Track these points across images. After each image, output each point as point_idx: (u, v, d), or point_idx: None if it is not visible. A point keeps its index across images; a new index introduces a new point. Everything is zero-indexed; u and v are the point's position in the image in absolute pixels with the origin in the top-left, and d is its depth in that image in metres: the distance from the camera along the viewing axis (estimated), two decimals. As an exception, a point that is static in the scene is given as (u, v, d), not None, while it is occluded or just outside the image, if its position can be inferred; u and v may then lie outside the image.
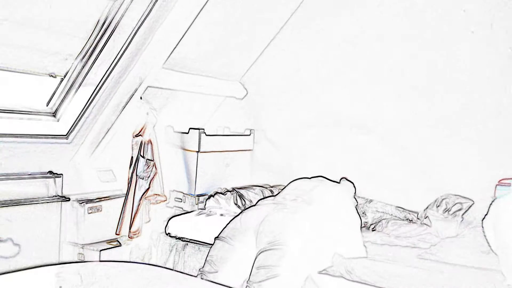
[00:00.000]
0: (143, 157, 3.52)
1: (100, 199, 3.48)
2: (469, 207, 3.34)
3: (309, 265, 2.78)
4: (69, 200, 3.32)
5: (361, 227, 3.07)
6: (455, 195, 3.45)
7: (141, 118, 3.57)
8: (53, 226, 3.25)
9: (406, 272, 2.75)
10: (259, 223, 2.95)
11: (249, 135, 4.48)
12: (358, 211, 3.13)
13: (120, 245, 3.49)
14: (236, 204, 3.75)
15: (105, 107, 3.33)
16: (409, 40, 3.66)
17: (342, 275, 2.83)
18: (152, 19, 3.01)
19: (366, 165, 3.85)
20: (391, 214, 3.59)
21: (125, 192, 3.56)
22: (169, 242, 3.62)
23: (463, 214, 3.32)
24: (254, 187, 4.03)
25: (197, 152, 3.95)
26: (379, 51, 3.79)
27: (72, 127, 3.33)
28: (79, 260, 3.32)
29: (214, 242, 3.08)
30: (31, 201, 3.11)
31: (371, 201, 3.72)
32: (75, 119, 3.31)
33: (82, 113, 3.29)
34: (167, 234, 3.63)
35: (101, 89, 3.23)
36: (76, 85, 3.22)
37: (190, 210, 3.87)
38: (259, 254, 2.81)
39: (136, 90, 3.39)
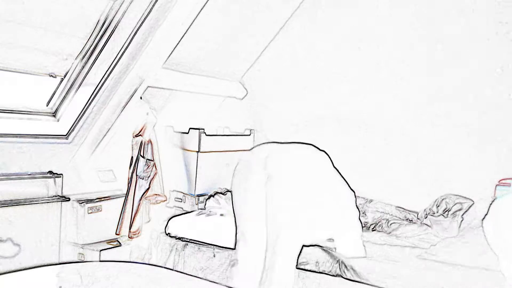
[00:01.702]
0: (143, 157, 3.52)
1: (100, 199, 3.48)
2: (469, 207, 3.34)
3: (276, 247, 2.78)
4: (69, 200, 3.32)
5: (361, 227, 3.05)
6: (455, 195, 3.45)
7: (141, 118, 3.57)
8: (53, 226, 3.25)
9: (406, 272, 2.75)
10: None
11: (249, 135, 4.48)
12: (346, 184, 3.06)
13: (120, 245, 3.49)
14: (236, 204, 3.75)
15: (105, 107, 3.33)
16: (412, 39, 3.65)
17: (341, 274, 2.83)
18: (152, 19, 3.01)
19: (366, 165, 3.85)
20: (391, 214, 3.59)
21: (125, 192, 3.56)
22: (169, 242, 3.61)
23: (463, 214, 3.31)
24: (254, 187, 4.03)
25: (197, 152, 3.95)
26: (381, 51, 3.79)
27: (72, 127, 3.33)
28: (79, 260, 3.32)
29: None
30: (31, 201, 3.11)
31: (371, 201, 3.72)
32: (75, 119, 3.31)
33: (82, 113, 3.29)
34: (167, 234, 3.63)
35: (101, 89, 3.23)
36: (76, 85, 3.23)
37: (190, 210, 3.87)
38: None
39: (136, 90, 3.39)
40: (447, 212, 3.36)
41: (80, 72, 3.20)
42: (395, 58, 3.73)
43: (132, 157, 3.56)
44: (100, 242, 3.46)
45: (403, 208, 3.64)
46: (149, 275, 2.36)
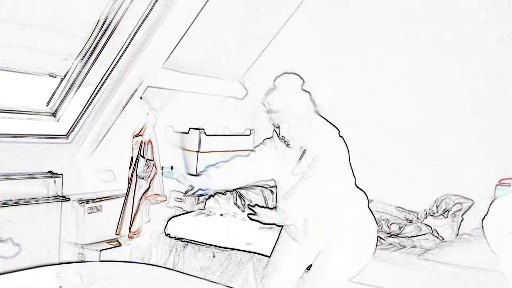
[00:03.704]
0: (143, 157, 3.52)
1: (100, 199, 3.48)
2: (469, 207, 3.34)
3: None
4: (69, 200, 3.32)
5: None
6: (455, 195, 3.45)
7: (141, 118, 3.57)
8: (53, 226, 3.24)
9: (406, 272, 2.75)
10: None
11: (249, 135, 4.47)
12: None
13: (120, 245, 3.49)
14: (236, 204, 3.75)
15: (105, 107, 3.33)
16: (419, 39, 3.64)
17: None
18: (152, 19, 3.01)
19: (366, 165, 3.83)
20: (391, 214, 3.59)
21: (125, 192, 3.56)
22: (169, 242, 3.62)
23: (463, 214, 3.32)
24: (254, 187, 4.03)
25: (197, 152, 3.95)
26: (381, 50, 3.78)
27: (72, 127, 3.33)
28: (79, 260, 3.32)
29: None
30: (31, 201, 3.10)
31: (371, 201, 3.71)
32: (75, 119, 3.31)
33: (82, 113, 3.29)
34: (166, 235, 3.63)
35: (101, 89, 3.23)
36: (76, 85, 3.22)
37: (190, 210, 3.87)
38: None
39: (136, 90, 3.39)
40: (447, 212, 3.36)
41: (80, 72, 3.19)
42: (395, 57, 3.73)
43: (132, 157, 3.56)
44: (100, 242, 3.46)
45: (403, 208, 3.64)
46: (149, 275, 2.36)
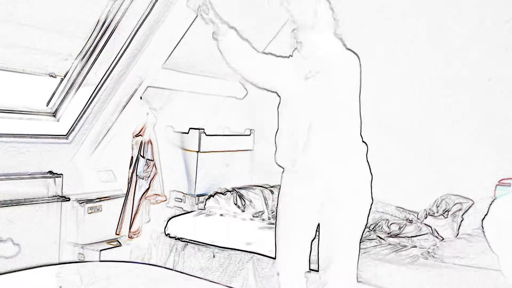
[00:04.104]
0: (143, 157, 3.53)
1: (100, 199, 3.48)
2: (469, 207, 3.34)
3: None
4: (69, 200, 3.32)
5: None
6: (455, 195, 3.45)
7: (141, 118, 3.57)
8: (53, 226, 3.25)
9: (406, 272, 2.75)
10: None
11: (249, 135, 4.47)
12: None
13: (120, 245, 3.49)
14: (236, 204, 3.75)
15: (105, 107, 3.33)
16: (419, 39, 3.63)
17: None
18: (152, 19, 3.01)
19: (366, 165, 3.84)
20: (391, 214, 3.59)
21: (125, 192, 3.56)
22: (169, 242, 3.62)
23: (463, 214, 3.32)
24: (254, 187, 4.03)
25: (197, 152, 3.95)
26: (379, 49, 3.78)
27: (72, 127, 3.33)
28: (79, 260, 3.32)
29: None
30: (31, 201, 3.10)
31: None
32: (75, 119, 3.31)
33: (82, 113, 3.29)
34: (166, 235, 3.63)
35: (101, 89, 3.23)
36: (76, 85, 3.22)
37: (190, 210, 3.88)
38: None
39: (136, 90, 3.39)
40: (447, 212, 3.36)
41: (80, 72, 3.19)
42: (395, 57, 3.73)
43: (132, 157, 3.56)
44: (100, 242, 3.46)
45: (403, 208, 3.64)
46: (149, 275, 2.36)
